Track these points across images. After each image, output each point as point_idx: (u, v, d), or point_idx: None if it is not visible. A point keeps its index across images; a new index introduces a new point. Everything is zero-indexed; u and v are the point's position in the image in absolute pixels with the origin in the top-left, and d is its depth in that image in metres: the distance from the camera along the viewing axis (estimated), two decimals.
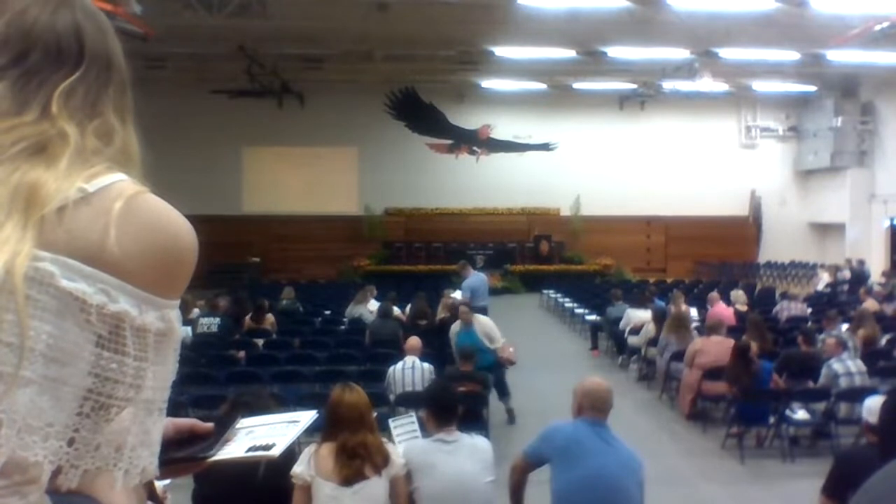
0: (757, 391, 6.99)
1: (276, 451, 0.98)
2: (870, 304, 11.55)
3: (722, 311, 10.71)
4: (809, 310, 12.24)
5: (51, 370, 0.71)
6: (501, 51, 16.74)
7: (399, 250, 21.80)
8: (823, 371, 7.12)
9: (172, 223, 0.82)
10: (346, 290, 14.36)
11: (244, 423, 1.07)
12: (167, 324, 0.79)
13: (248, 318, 10.27)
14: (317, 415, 1.15)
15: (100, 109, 0.85)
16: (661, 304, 11.09)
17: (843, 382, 6.89)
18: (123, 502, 0.81)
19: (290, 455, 3.66)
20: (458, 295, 11.43)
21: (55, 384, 0.71)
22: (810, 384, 7.40)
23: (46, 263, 0.72)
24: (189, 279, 0.84)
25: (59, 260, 0.72)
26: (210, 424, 1.03)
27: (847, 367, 7.00)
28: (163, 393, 0.80)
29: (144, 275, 0.77)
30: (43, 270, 0.71)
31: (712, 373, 7.74)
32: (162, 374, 0.80)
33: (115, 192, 0.78)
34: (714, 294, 11.75)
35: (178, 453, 0.93)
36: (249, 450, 0.98)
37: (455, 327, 8.57)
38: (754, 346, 7.52)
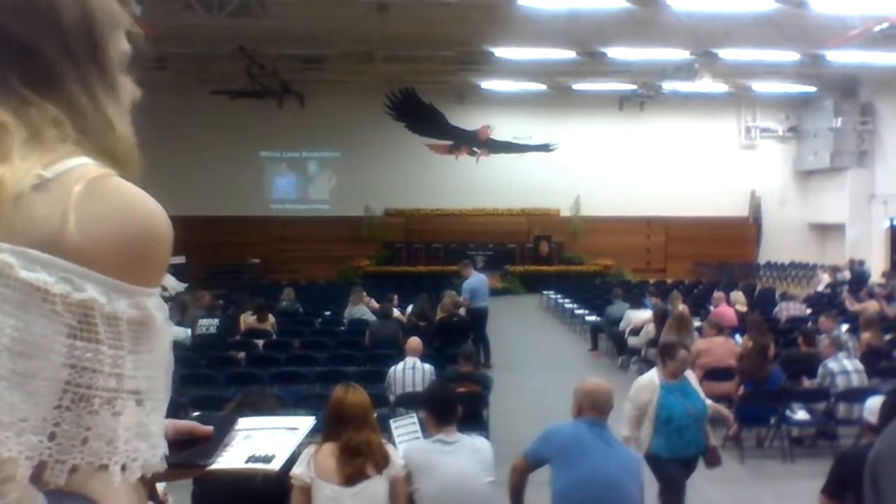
0: (763, 391, 7.00)
1: (275, 465, 0.97)
2: (871, 306, 11.53)
3: (725, 311, 10.72)
4: (809, 310, 12.24)
5: (19, 364, 0.69)
6: (501, 51, 16.75)
7: (399, 251, 21.79)
8: (819, 371, 7.14)
9: (139, 206, 0.77)
10: (346, 290, 14.35)
11: (242, 424, 1.06)
12: (142, 311, 0.75)
13: (246, 317, 10.28)
14: (315, 421, 1.14)
15: (60, 88, 0.80)
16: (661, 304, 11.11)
17: (840, 381, 6.90)
18: (118, 495, 0.78)
19: (290, 456, 3.66)
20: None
21: (24, 378, 0.69)
22: (809, 383, 7.41)
23: (5, 255, 0.69)
24: (165, 265, 0.79)
25: (18, 250, 0.70)
26: (210, 428, 1.01)
27: (843, 365, 7.01)
28: (151, 383, 0.77)
29: (110, 261, 0.73)
30: (1, 262, 0.69)
31: (714, 373, 7.74)
32: (147, 363, 0.76)
33: (74, 177, 0.74)
34: (719, 294, 11.77)
35: (177, 457, 0.93)
36: (249, 460, 0.97)
37: (650, 382, 5.04)
38: (773, 348, 7.57)
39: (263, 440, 1.03)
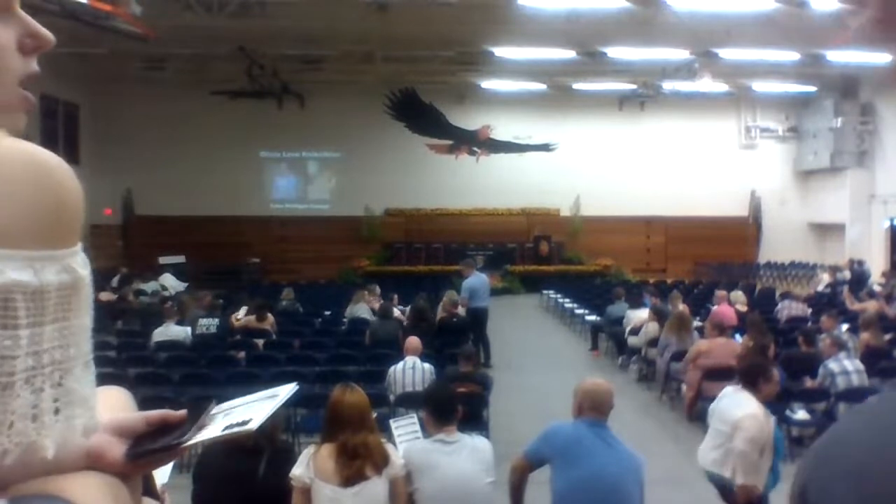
0: None
1: (253, 426, 0.92)
2: (871, 306, 11.52)
3: (726, 310, 10.73)
4: (810, 310, 12.24)
5: None
6: (501, 51, 16.75)
7: (399, 251, 21.80)
8: (820, 371, 7.14)
9: (43, 166, 0.69)
10: (345, 290, 14.37)
11: (220, 407, 1.00)
12: (72, 274, 0.70)
13: (237, 316, 10.28)
14: (297, 387, 1.09)
15: None
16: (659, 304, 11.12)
17: (841, 382, 6.90)
18: (93, 495, 0.74)
19: (290, 456, 3.66)
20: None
21: None
22: (809, 383, 7.41)
23: None
24: (82, 215, 0.73)
25: None
26: (183, 412, 0.95)
27: (843, 366, 7.01)
28: (79, 348, 0.72)
29: (31, 233, 0.67)
30: None
31: (714, 373, 7.73)
32: (75, 328, 0.71)
33: None
34: (721, 292, 11.77)
35: (151, 445, 0.88)
36: (226, 428, 0.92)
37: (765, 413, 4.37)
38: (772, 349, 7.57)
39: (241, 412, 1.00)
